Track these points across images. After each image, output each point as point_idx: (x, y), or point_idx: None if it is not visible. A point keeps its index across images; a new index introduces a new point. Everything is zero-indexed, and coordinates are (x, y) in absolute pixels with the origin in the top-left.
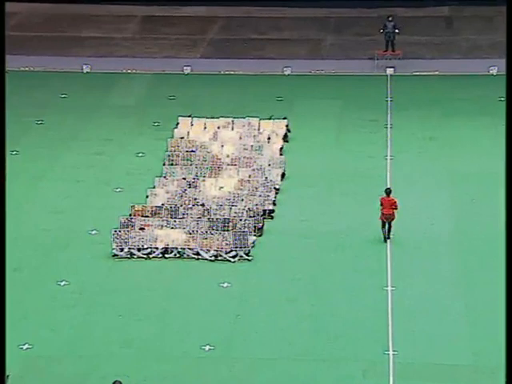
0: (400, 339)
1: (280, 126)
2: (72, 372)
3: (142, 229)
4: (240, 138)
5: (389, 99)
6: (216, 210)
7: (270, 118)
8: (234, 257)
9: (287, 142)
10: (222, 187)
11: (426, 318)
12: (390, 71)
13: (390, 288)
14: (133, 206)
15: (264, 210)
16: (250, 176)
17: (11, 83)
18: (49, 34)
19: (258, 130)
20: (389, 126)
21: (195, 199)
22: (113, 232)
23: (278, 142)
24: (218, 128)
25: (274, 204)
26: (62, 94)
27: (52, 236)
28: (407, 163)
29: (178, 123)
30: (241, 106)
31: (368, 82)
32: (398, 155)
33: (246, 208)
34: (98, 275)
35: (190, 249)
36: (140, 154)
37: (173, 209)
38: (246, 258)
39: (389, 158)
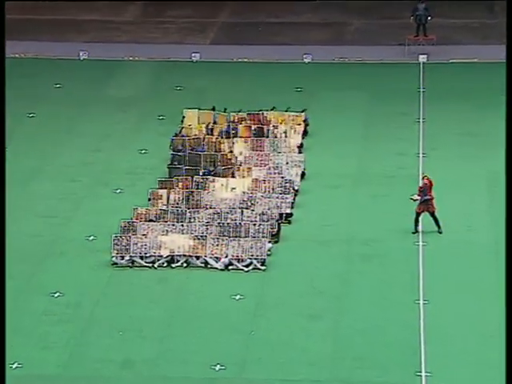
0: (434, 359)
1: (298, 120)
2: None
3: (144, 235)
4: (254, 133)
5: (421, 90)
6: (227, 213)
7: (286, 111)
8: (247, 266)
9: (307, 137)
10: (233, 188)
11: (463, 336)
12: (422, 58)
13: (422, 302)
14: (135, 209)
15: (281, 214)
16: (265, 176)
17: None
18: (41, 17)
19: (274, 124)
20: (421, 119)
21: (203, 201)
22: (113, 238)
23: (297, 138)
24: (230, 122)
25: (292, 207)
26: (55, 84)
27: (44, 242)
28: (442, 162)
29: (183, 117)
30: (255, 97)
31: (398, 71)
32: (431, 153)
33: (261, 211)
34: (96, 286)
35: (197, 257)
36: (142, 152)
37: (179, 212)
38: (261, 267)
39: (421, 155)
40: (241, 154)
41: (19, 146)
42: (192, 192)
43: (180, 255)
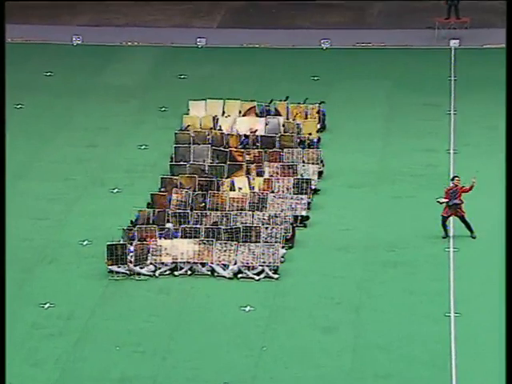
0: (466, 378)
1: (315, 113)
2: None
3: (143, 240)
4: (266, 127)
5: (452, 78)
6: (236, 216)
7: (304, 102)
8: (258, 274)
9: (324, 131)
10: (240, 188)
11: (498, 352)
12: (453, 43)
13: (453, 315)
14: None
15: (296, 217)
16: (277, 174)
17: None
18: None
19: (288, 116)
20: (452, 111)
21: (209, 202)
22: (109, 243)
23: (314, 133)
24: (240, 114)
25: (309, 209)
26: (46, 72)
27: (34, 248)
28: (475, 159)
29: (188, 109)
30: (267, 87)
31: (426, 58)
32: (463, 149)
33: (273, 214)
34: (91, 296)
35: (203, 264)
36: (142, 147)
37: (182, 215)
38: (274, 275)
39: (452, 152)
40: (251, 149)
41: (7, 141)
42: (197, 192)
43: (184, 262)
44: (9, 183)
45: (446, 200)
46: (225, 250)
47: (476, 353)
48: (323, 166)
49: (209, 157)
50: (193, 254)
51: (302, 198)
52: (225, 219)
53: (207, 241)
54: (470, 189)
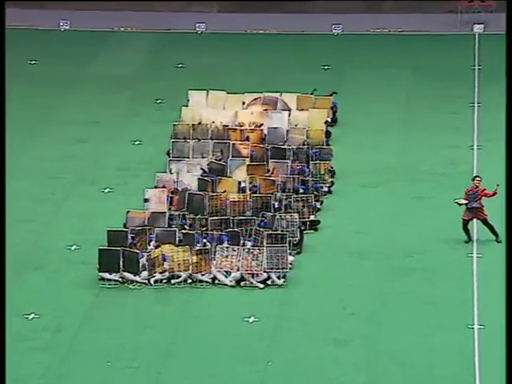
0: None
1: (326, 105)
2: None
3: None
4: (271, 121)
5: (476, 67)
6: (238, 218)
7: (311, 93)
8: (263, 282)
9: (334, 125)
10: (243, 188)
11: None
12: (477, 29)
13: (476, 327)
14: (127, 213)
15: (304, 219)
16: (283, 172)
17: None
18: None
19: (296, 109)
20: (476, 104)
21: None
22: (100, 248)
23: (323, 127)
24: (243, 105)
25: (318, 210)
26: (31, 60)
27: (17, 253)
28: (501, 155)
29: (188, 100)
30: (272, 76)
31: (447, 44)
32: (488, 144)
33: (279, 216)
34: (79, 306)
35: (203, 271)
36: (137, 143)
37: (180, 217)
38: (280, 283)
39: (475, 147)
40: (254, 145)
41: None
42: (195, 192)
43: (181, 270)
44: None
45: (465, 202)
46: (226, 256)
47: (502, 368)
48: (333, 176)
49: (210, 153)
50: (190, 267)
51: (309, 199)
52: (224, 222)
53: (205, 250)
54: (493, 195)
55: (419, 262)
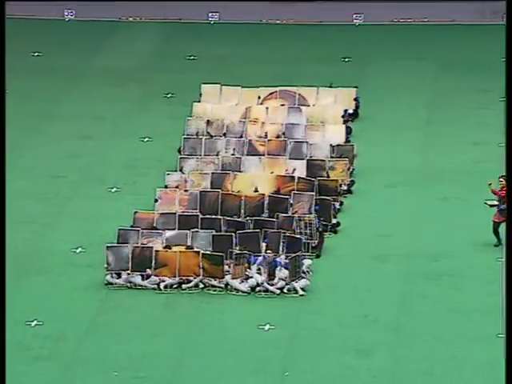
0: None
1: (346, 99)
2: None
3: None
4: (287, 116)
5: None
6: (252, 219)
7: (330, 87)
8: (280, 288)
9: (354, 121)
10: (256, 189)
11: None
12: None
13: (507, 335)
14: (135, 213)
15: (323, 220)
16: (300, 171)
17: None
18: None
19: (314, 104)
20: (506, 98)
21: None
22: (106, 250)
23: (343, 123)
24: (258, 99)
25: (338, 211)
26: (33, 52)
27: (19, 256)
28: None
29: (200, 94)
30: (290, 69)
31: (475, 35)
32: None
33: (297, 217)
34: (85, 312)
35: (215, 277)
36: (145, 139)
37: (188, 218)
38: (298, 289)
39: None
40: (269, 141)
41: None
42: (206, 191)
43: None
44: None
45: (497, 203)
46: (237, 264)
47: None
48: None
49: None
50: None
51: (328, 200)
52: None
53: (217, 256)
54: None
55: (445, 267)
